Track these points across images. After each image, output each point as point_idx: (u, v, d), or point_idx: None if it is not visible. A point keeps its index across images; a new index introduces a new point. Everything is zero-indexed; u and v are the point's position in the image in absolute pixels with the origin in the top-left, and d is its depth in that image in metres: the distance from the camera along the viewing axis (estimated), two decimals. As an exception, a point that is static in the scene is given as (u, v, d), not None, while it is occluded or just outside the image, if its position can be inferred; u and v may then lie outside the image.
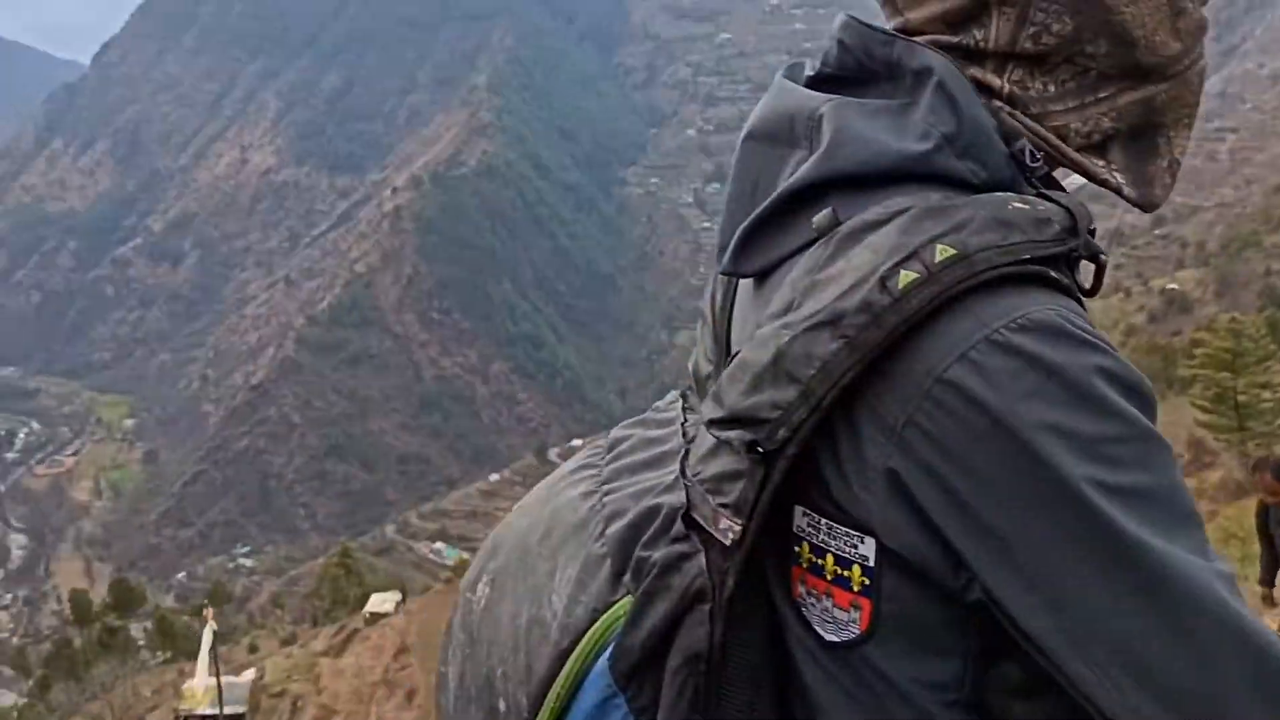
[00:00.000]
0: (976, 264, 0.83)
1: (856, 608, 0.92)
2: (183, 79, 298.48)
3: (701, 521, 0.95)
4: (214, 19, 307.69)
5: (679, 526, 0.99)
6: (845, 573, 0.91)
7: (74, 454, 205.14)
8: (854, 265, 0.86)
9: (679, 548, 0.98)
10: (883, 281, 0.84)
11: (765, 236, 0.97)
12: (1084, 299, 0.88)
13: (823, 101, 0.99)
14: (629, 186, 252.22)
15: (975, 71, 0.97)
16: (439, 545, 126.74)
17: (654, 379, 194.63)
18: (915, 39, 1.00)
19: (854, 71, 1.03)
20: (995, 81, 0.97)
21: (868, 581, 0.90)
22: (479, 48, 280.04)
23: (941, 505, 0.84)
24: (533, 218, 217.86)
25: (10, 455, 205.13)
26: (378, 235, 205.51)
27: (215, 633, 26.41)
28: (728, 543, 0.91)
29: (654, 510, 1.02)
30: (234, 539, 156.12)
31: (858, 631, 0.92)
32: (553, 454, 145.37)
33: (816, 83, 1.05)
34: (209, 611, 27.55)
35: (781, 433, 0.86)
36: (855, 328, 0.83)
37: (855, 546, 0.90)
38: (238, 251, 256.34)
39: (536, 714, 1.03)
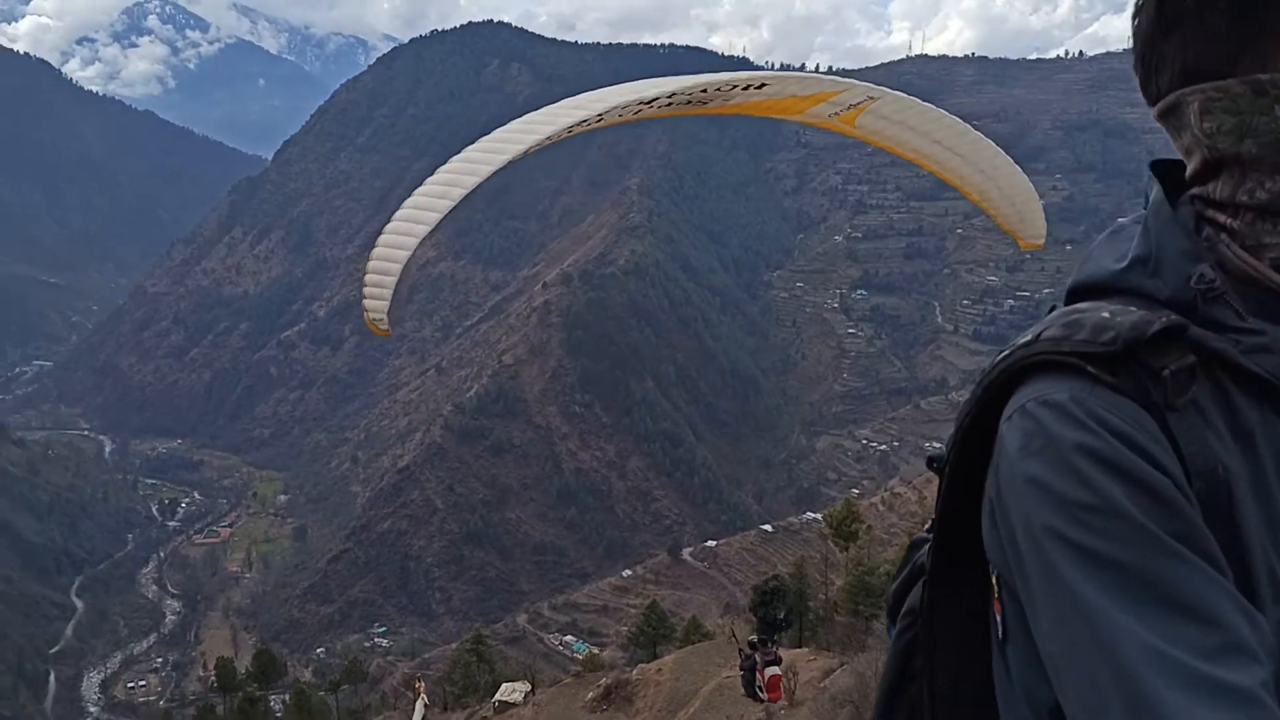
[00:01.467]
0: (1033, 350, 1.19)
1: (998, 613, 1.28)
2: (353, 175, 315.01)
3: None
4: (386, 120, 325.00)
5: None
6: (995, 583, 1.27)
7: (230, 525, 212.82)
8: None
9: (926, 535, 1.61)
10: (996, 356, 1.25)
11: None
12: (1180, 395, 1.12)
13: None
14: (775, 290, 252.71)
15: (1214, 213, 1.27)
16: (569, 638, 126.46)
17: (792, 483, 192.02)
18: (1192, 191, 1.31)
19: None
20: (1224, 219, 1.25)
21: (998, 591, 1.27)
22: (633, 152, 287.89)
23: (1004, 534, 1.18)
24: (678, 317, 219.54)
25: (172, 524, 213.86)
26: (526, 329, 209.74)
27: (426, 705, 26.76)
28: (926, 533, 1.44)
29: None
30: (372, 618, 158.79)
31: (1000, 634, 1.29)
32: (685, 553, 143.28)
33: None
34: (420, 685, 27.86)
35: (943, 453, 1.36)
36: (976, 385, 1.27)
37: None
38: (393, 339, 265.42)
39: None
